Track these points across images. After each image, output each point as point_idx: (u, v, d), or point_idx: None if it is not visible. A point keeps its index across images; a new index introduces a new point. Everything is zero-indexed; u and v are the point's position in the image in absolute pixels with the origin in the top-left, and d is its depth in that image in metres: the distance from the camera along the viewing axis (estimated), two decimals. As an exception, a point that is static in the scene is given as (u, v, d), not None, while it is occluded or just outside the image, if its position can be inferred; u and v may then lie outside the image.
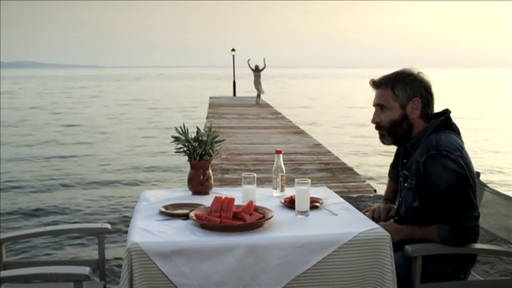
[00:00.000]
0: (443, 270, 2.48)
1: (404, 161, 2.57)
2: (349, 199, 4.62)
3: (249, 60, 23.85)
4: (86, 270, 2.13)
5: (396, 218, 2.62)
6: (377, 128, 2.55)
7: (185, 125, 2.80)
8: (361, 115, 21.15)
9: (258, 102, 23.39)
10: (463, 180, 2.32)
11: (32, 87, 62.15)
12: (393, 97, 2.46)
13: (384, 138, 2.56)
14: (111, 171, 11.88)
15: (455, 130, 2.49)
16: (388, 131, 2.51)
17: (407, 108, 2.46)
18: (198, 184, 2.80)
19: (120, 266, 2.18)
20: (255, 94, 24.53)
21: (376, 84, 2.53)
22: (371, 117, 2.57)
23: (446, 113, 2.51)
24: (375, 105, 2.53)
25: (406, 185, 2.50)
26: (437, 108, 2.55)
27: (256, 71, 23.10)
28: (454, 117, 2.53)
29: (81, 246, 6.36)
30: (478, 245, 2.52)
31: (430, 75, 2.56)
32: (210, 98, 28.53)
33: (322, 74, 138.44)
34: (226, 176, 7.63)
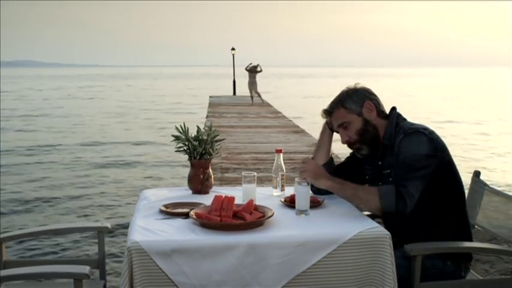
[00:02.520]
0: (443, 270, 2.49)
1: (380, 162, 2.62)
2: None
3: (249, 64, 23.29)
4: (85, 269, 2.13)
5: (388, 221, 2.62)
6: (349, 146, 2.68)
7: (185, 124, 2.80)
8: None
9: (256, 102, 22.62)
10: (431, 158, 2.43)
11: (31, 86, 62.11)
12: (347, 111, 2.62)
13: (360, 150, 2.66)
14: (111, 170, 11.89)
15: None
16: (360, 141, 2.62)
17: (364, 113, 2.61)
18: (198, 183, 2.80)
19: (120, 264, 2.19)
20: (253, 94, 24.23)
21: (328, 111, 2.70)
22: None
23: (394, 109, 2.66)
24: (337, 127, 2.67)
25: (390, 180, 2.53)
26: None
27: (251, 71, 22.61)
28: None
29: (81, 245, 6.37)
30: (477, 244, 2.53)
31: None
32: (210, 97, 28.50)
33: (324, 73, 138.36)
34: (226, 175, 7.63)
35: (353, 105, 2.61)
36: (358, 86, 2.68)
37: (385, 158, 2.59)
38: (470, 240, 2.58)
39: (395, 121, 2.59)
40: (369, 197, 2.41)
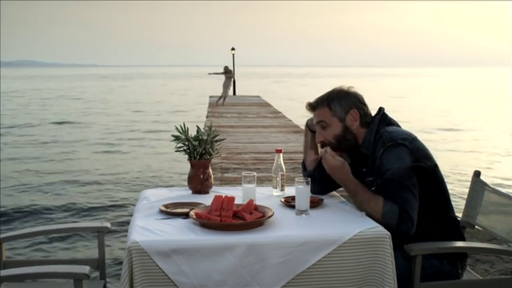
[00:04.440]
0: (440, 269, 2.49)
1: (364, 169, 2.59)
2: (348, 198, 4.62)
3: (226, 67, 23.12)
4: (85, 269, 2.13)
5: None
6: (322, 146, 2.62)
7: (185, 123, 2.80)
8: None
9: (221, 103, 21.88)
10: (415, 169, 2.40)
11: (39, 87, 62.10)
12: (331, 113, 2.57)
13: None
14: (111, 170, 11.89)
15: (394, 124, 2.59)
16: (337, 147, 2.57)
17: (346, 120, 2.56)
18: (198, 183, 2.80)
19: (120, 264, 2.19)
20: (253, 94, 24.13)
21: (312, 106, 2.64)
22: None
23: (381, 110, 2.62)
24: (316, 124, 2.63)
25: (373, 189, 2.52)
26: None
27: (227, 73, 22.42)
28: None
29: (81, 245, 6.37)
30: (477, 244, 2.53)
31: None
32: (210, 97, 28.49)
33: (326, 73, 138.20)
34: (226, 175, 7.62)
35: (338, 109, 2.56)
36: (351, 90, 2.62)
37: (368, 166, 2.56)
38: (463, 239, 2.58)
39: (376, 128, 2.54)
40: (373, 212, 2.38)
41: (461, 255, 2.57)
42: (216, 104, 21.73)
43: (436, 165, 2.50)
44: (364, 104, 2.61)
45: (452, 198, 2.60)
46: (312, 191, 2.63)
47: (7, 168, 11.79)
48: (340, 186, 2.86)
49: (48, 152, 14.50)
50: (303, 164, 2.91)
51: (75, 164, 12.69)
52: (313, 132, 2.78)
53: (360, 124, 2.57)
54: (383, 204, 2.37)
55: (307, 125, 2.83)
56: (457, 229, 2.58)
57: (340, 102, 2.56)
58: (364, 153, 2.56)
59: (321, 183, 2.75)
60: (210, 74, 23.50)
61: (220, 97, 22.22)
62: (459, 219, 2.82)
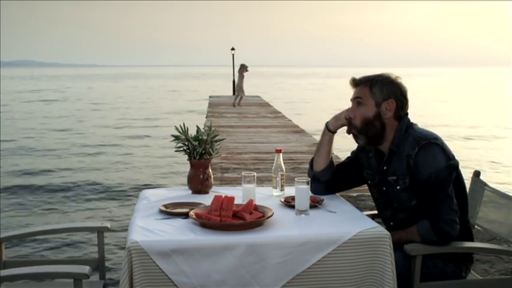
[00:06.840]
0: (444, 270, 2.49)
1: (385, 167, 2.56)
2: (348, 198, 4.63)
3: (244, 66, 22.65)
4: (85, 269, 2.13)
5: (392, 223, 2.60)
6: (348, 124, 2.60)
7: (185, 123, 2.80)
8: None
9: (238, 104, 21.07)
10: (451, 167, 2.43)
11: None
12: (370, 94, 2.52)
13: (357, 138, 2.60)
14: (111, 169, 11.89)
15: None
16: (360, 129, 2.54)
17: (381, 107, 2.51)
18: (198, 183, 2.80)
19: (120, 264, 2.19)
20: (253, 94, 23.89)
21: (356, 82, 2.60)
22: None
23: (407, 115, 2.57)
24: (353, 99, 2.59)
25: (398, 188, 2.50)
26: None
27: (242, 69, 21.64)
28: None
29: (81, 245, 6.37)
30: (477, 244, 2.52)
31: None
32: (210, 97, 28.46)
33: (326, 73, 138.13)
34: (226, 175, 7.62)
35: (378, 93, 2.50)
36: (397, 80, 2.56)
37: (391, 163, 2.53)
38: (472, 241, 2.57)
39: (405, 127, 2.51)
40: (417, 240, 2.41)
41: (467, 258, 2.56)
42: (233, 105, 21.22)
43: (458, 164, 2.51)
44: (405, 98, 2.55)
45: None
46: (317, 192, 2.63)
47: (7, 169, 11.79)
48: (344, 189, 2.86)
49: (47, 152, 14.50)
50: (311, 162, 2.86)
51: (74, 163, 12.68)
52: (332, 132, 2.76)
53: (393, 116, 2.52)
54: (416, 229, 2.41)
55: (327, 125, 2.78)
56: (469, 229, 2.58)
57: (382, 87, 2.51)
58: (391, 151, 2.52)
59: (327, 185, 2.76)
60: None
61: (236, 97, 21.61)
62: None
